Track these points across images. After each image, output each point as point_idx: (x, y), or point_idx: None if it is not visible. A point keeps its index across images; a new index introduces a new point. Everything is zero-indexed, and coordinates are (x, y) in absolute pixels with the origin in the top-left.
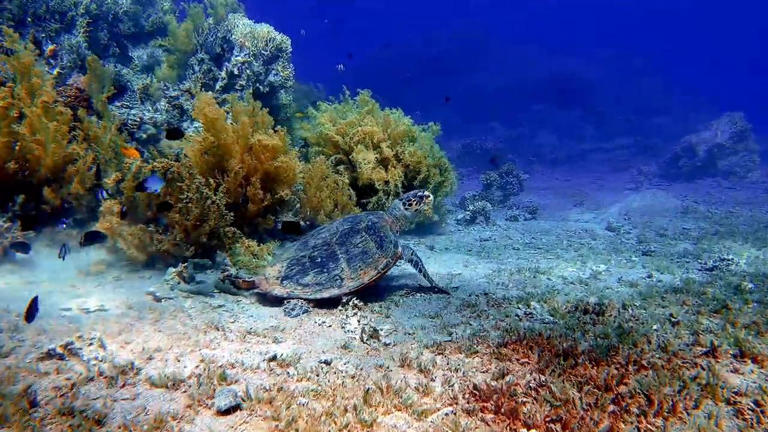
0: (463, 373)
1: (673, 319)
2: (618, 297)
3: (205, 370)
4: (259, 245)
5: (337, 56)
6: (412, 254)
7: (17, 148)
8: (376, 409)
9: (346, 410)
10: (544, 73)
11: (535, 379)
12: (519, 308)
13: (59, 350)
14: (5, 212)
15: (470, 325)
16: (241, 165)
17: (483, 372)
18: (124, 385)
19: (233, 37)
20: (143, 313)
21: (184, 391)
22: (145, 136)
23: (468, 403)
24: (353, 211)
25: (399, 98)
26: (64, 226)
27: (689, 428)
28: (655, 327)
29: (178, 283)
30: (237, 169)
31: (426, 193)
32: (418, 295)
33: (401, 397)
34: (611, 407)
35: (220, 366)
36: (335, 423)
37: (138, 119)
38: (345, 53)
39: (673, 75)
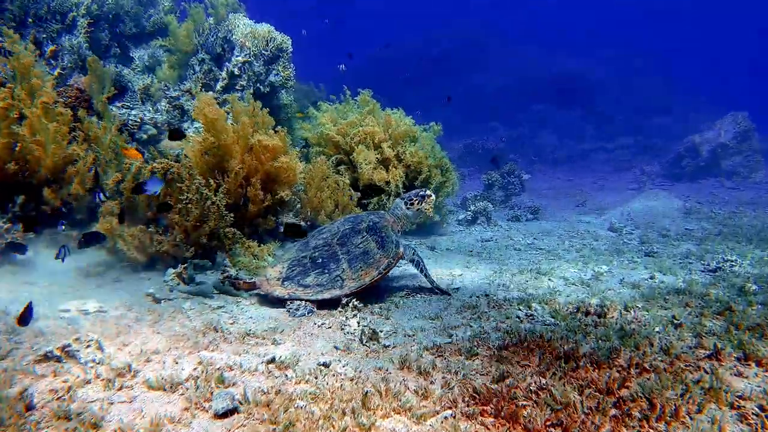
0: (463, 375)
1: (675, 321)
2: (620, 298)
3: (202, 372)
4: (259, 246)
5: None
6: (413, 254)
7: (17, 148)
8: (374, 413)
9: (344, 413)
10: (545, 73)
11: (535, 382)
12: (520, 310)
13: (56, 352)
14: (5, 213)
15: (470, 326)
16: (241, 165)
17: (483, 375)
18: (121, 388)
19: (234, 37)
20: (142, 315)
21: (182, 394)
22: (145, 136)
23: (468, 406)
24: (354, 212)
25: (399, 98)
26: (63, 227)
27: None
28: (657, 329)
29: (178, 284)
30: (237, 170)
31: (428, 192)
32: (419, 296)
33: (400, 401)
34: (613, 411)
35: (218, 368)
36: (333, 427)
37: (138, 120)
38: (345, 53)
39: (675, 75)
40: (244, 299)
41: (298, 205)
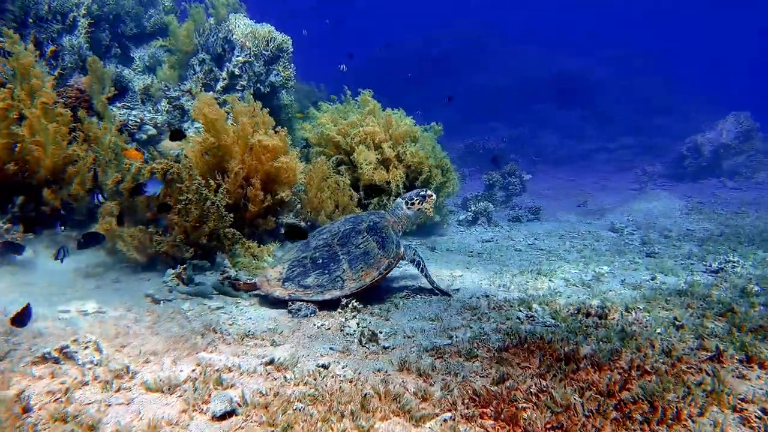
0: (463, 377)
1: (677, 323)
2: (621, 300)
3: (201, 374)
4: (259, 246)
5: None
6: (414, 254)
7: (17, 149)
8: (373, 415)
9: (342, 416)
10: (546, 73)
11: (535, 384)
12: (520, 311)
13: (54, 354)
14: (5, 214)
15: (471, 328)
16: (241, 166)
17: (483, 376)
18: (118, 390)
19: (234, 37)
20: (141, 316)
21: (180, 396)
22: (145, 137)
23: (467, 408)
24: (354, 212)
25: (400, 98)
26: (62, 228)
27: None
28: (658, 331)
29: (177, 284)
30: (237, 170)
31: (429, 192)
32: (419, 296)
33: (399, 403)
34: (613, 414)
35: (217, 370)
36: (331, 429)
37: (139, 120)
38: (345, 53)
39: (677, 74)
40: (243, 300)
41: (299, 206)
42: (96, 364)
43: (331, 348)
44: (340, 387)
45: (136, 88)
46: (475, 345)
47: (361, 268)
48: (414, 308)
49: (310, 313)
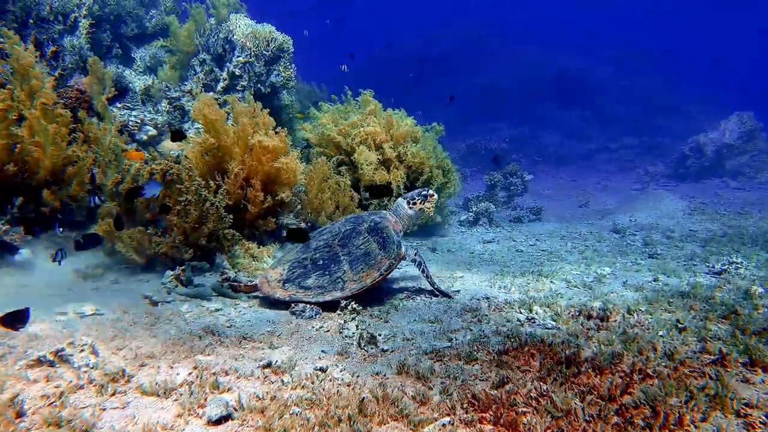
0: (462, 381)
1: (680, 325)
2: (623, 301)
3: (197, 377)
4: (259, 247)
5: (338, 56)
6: (415, 254)
7: (17, 150)
8: (371, 420)
9: (340, 420)
10: (546, 73)
11: (536, 388)
12: (521, 313)
13: (49, 357)
14: (4, 215)
15: (471, 330)
16: (241, 167)
17: (482, 380)
18: (114, 393)
19: (235, 37)
20: (139, 318)
21: (176, 400)
22: (145, 137)
23: (466, 413)
24: (355, 213)
25: (400, 98)
26: (60, 230)
27: None
28: (661, 333)
29: (176, 286)
30: (237, 171)
31: (431, 192)
32: (419, 298)
33: (397, 407)
34: (615, 419)
35: (213, 373)
36: None
37: (139, 121)
38: (346, 53)
39: (678, 75)
40: (242, 302)
41: (299, 206)
42: (92, 368)
43: (329, 351)
44: (338, 391)
45: (137, 89)
46: (475, 348)
47: (362, 269)
48: (414, 310)
49: (315, 315)
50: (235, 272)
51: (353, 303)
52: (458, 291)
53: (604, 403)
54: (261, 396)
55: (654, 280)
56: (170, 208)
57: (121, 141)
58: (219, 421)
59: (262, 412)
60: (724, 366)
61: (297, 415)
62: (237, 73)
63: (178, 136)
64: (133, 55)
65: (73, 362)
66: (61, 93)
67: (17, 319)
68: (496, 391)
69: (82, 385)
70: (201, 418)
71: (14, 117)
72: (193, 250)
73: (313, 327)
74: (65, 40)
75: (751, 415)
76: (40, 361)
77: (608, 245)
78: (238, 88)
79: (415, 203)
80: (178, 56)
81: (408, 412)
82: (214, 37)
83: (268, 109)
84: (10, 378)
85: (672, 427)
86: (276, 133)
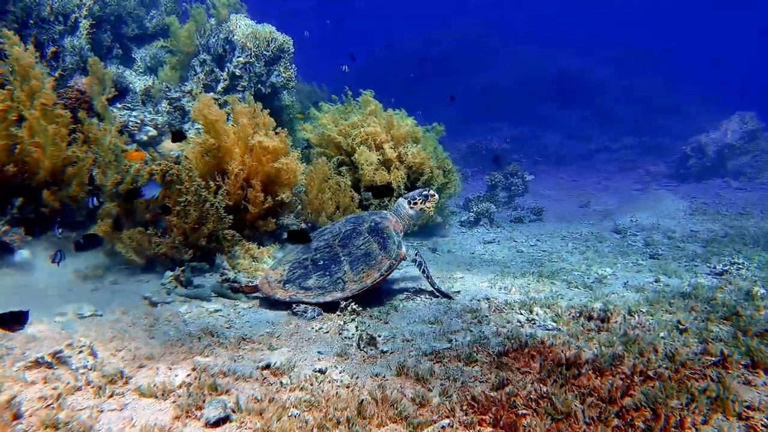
0: (462, 382)
1: (681, 327)
2: (624, 302)
3: (196, 379)
4: (259, 248)
5: (338, 56)
6: (416, 254)
7: (16, 151)
8: (370, 422)
9: (338, 423)
10: (546, 73)
11: (536, 390)
12: (521, 314)
13: (47, 358)
14: (4, 215)
15: (470, 331)
16: (241, 167)
17: (482, 382)
18: (112, 395)
19: (235, 37)
20: (138, 319)
21: (174, 402)
22: (145, 138)
23: (466, 415)
24: (355, 213)
25: (400, 98)
26: (59, 231)
27: None
28: (662, 335)
29: (176, 287)
30: (237, 172)
31: (432, 192)
32: (419, 298)
33: (396, 409)
34: (615, 421)
35: (212, 375)
36: None
37: (139, 121)
38: (346, 53)
39: (677, 74)
40: (241, 302)
41: (299, 207)
42: (90, 369)
43: (328, 352)
44: (337, 392)
45: (137, 89)
46: (475, 349)
47: (363, 269)
48: (414, 311)
49: (316, 316)
50: (235, 273)
51: (353, 304)
52: (458, 292)
53: (604, 405)
54: (259, 398)
55: (655, 281)
56: (170, 209)
57: (121, 141)
58: (217, 423)
59: (261, 414)
60: (726, 368)
61: (295, 417)
62: (237, 74)
63: (179, 136)
64: (133, 56)
65: (71, 364)
66: (61, 93)
67: (16, 321)
68: (495, 393)
69: (79, 386)
70: (199, 420)
71: (14, 118)
72: (193, 251)
73: (313, 328)
74: (66, 41)
75: (752, 417)
76: (38, 363)
77: (609, 246)
78: (238, 88)
79: (416, 203)
80: (178, 57)
81: (407, 414)
82: (214, 37)
83: (268, 110)
84: (8, 380)
85: (673, 429)
86: (276, 133)
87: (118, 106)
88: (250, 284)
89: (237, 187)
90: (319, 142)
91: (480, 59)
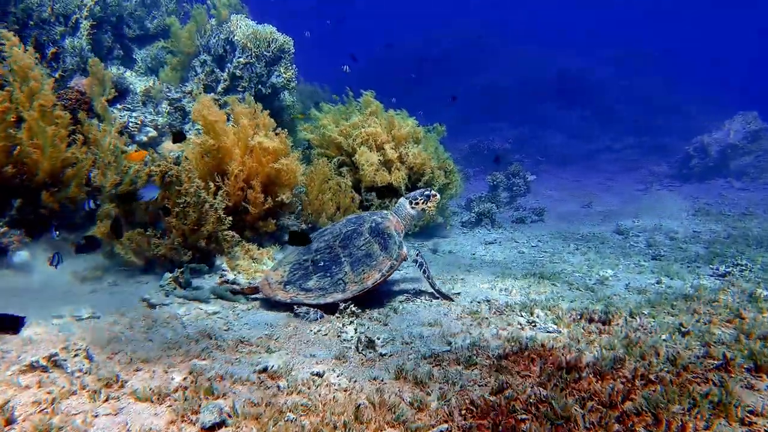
0: (461, 386)
1: (683, 329)
2: (625, 304)
3: (192, 383)
4: (259, 249)
5: (338, 56)
6: (417, 255)
7: (15, 152)
8: (367, 426)
9: (335, 427)
10: (547, 73)
11: (535, 394)
12: (522, 316)
13: (43, 362)
14: (2, 217)
15: (470, 333)
16: (241, 168)
17: (481, 385)
18: (107, 399)
19: (236, 38)
20: (136, 321)
21: (169, 406)
22: (145, 138)
23: (464, 419)
24: (356, 214)
25: (400, 99)
26: (56, 234)
27: None
28: (663, 337)
29: (174, 288)
30: (237, 172)
31: (433, 192)
32: (419, 300)
33: (394, 413)
34: (616, 426)
35: (209, 378)
36: None
37: (139, 122)
38: (346, 53)
39: (677, 74)
40: (240, 304)
41: (300, 208)
42: (85, 373)
43: (326, 355)
44: (334, 397)
45: (138, 90)
46: (475, 352)
47: (363, 270)
48: (414, 313)
49: (318, 317)
50: (235, 274)
51: (352, 306)
52: (459, 293)
53: (605, 409)
54: (256, 402)
55: (657, 283)
56: (170, 210)
57: (121, 142)
58: (212, 428)
59: (257, 419)
60: (728, 372)
61: (292, 422)
62: (238, 74)
63: (179, 137)
64: (134, 57)
65: (67, 367)
66: (61, 95)
67: (10, 326)
68: (494, 397)
69: (74, 390)
70: (194, 424)
71: (13, 119)
72: (192, 252)
73: (312, 330)
74: (66, 42)
75: (755, 423)
76: (33, 367)
77: (611, 247)
78: (238, 89)
79: (417, 203)
80: (179, 57)
81: (405, 418)
82: (215, 38)
83: (268, 110)
84: (2, 384)
85: None
86: (276, 134)
87: (119, 107)
88: (251, 285)
89: (237, 188)
90: (319, 142)
91: (480, 59)
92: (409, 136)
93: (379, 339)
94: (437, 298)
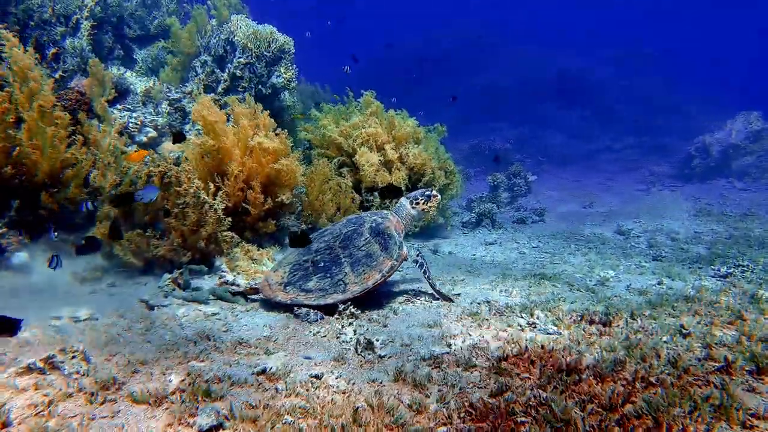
0: (460, 388)
1: (684, 331)
2: (626, 306)
3: (189, 385)
4: (259, 250)
5: (338, 56)
6: (418, 255)
7: (15, 152)
8: (365, 429)
9: (333, 430)
10: (547, 73)
11: (535, 397)
12: (522, 317)
13: (40, 364)
14: (1, 218)
15: (470, 335)
16: (241, 168)
17: (481, 388)
18: (104, 402)
19: (236, 38)
20: (134, 323)
21: (167, 409)
22: (145, 139)
23: (463, 422)
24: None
25: (400, 99)
26: (55, 235)
27: None
28: (664, 339)
29: (173, 289)
30: (237, 173)
31: (434, 192)
32: (418, 301)
33: (393, 416)
34: (616, 429)
35: (206, 381)
36: None
37: (139, 122)
38: (346, 54)
39: (677, 74)
40: (239, 305)
41: (300, 208)
42: (82, 375)
43: (325, 357)
44: (332, 399)
45: (138, 90)
46: (474, 354)
47: (364, 270)
48: (413, 314)
49: (318, 319)
50: (234, 275)
51: (351, 307)
52: (459, 294)
53: (605, 412)
54: (254, 404)
55: (658, 284)
56: (170, 211)
57: (121, 143)
58: (210, 431)
59: (254, 422)
60: (730, 374)
61: (289, 424)
62: (238, 75)
63: (179, 137)
64: (135, 57)
65: (64, 369)
66: (61, 95)
67: (7, 329)
68: (494, 400)
69: (71, 393)
70: (192, 427)
71: (12, 119)
72: (192, 253)
73: (311, 332)
74: (67, 42)
75: (757, 426)
76: (29, 369)
77: (612, 247)
78: (239, 89)
79: (418, 203)
80: (179, 57)
81: (404, 421)
82: (215, 38)
83: (268, 111)
84: None
85: None
86: (276, 134)
87: (119, 107)
88: (252, 286)
89: (237, 188)
90: (320, 143)
91: (480, 59)
92: (409, 136)
93: (378, 340)
94: (437, 299)
